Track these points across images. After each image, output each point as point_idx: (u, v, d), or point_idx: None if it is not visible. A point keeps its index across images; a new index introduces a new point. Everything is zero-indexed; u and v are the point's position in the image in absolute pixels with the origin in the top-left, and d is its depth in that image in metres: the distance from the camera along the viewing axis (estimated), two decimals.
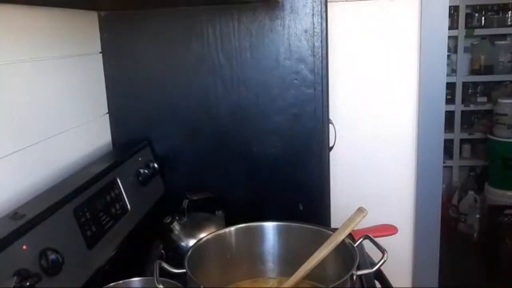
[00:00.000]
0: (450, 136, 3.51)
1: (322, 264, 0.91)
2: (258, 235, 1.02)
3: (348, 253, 0.89)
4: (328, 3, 1.32)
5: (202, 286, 0.83)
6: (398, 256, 1.80)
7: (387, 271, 1.07)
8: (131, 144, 1.34)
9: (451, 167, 3.65)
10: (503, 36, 3.56)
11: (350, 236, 0.94)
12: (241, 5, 1.30)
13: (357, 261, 0.85)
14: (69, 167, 1.16)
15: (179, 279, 0.89)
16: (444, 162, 3.24)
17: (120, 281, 0.95)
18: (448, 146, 3.51)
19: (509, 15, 3.50)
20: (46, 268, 0.78)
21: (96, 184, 1.04)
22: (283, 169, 1.37)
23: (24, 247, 0.76)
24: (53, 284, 0.80)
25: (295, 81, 1.33)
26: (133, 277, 0.97)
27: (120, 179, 1.14)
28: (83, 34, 1.29)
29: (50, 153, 1.10)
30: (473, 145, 3.69)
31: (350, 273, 0.82)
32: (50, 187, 1.00)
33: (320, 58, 1.31)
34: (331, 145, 1.42)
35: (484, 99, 3.61)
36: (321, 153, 1.36)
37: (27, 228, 0.79)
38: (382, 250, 0.85)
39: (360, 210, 0.91)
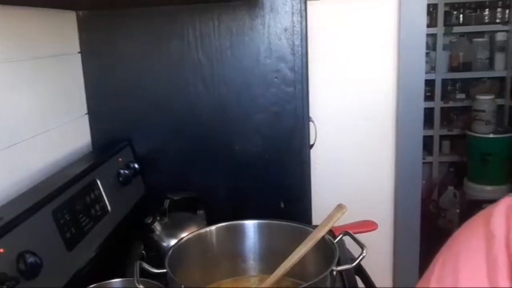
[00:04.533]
0: (430, 132, 3.55)
1: (303, 261, 0.91)
2: (239, 233, 1.02)
3: (328, 250, 0.90)
4: (308, 2, 1.32)
5: (183, 286, 0.83)
6: (379, 252, 1.82)
7: (368, 267, 1.09)
8: (111, 145, 1.33)
9: (431, 163, 3.69)
10: (480, 34, 3.62)
11: (331, 232, 0.95)
12: (221, 4, 1.30)
13: (337, 257, 0.85)
14: (48, 168, 1.15)
15: (160, 279, 0.89)
16: (424, 158, 3.28)
17: (101, 282, 0.95)
18: (428, 143, 3.56)
19: (486, 13, 3.56)
20: (24, 271, 0.77)
21: (75, 185, 1.03)
22: (264, 167, 1.38)
23: (1, 250, 0.75)
24: (31, 287, 0.79)
25: (276, 79, 1.33)
26: (114, 278, 0.97)
27: (100, 180, 1.14)
28: (61, 34, 1.28)
29: (29, 154, 1.09)
30: (452, 141, 3.74)
31: (329, 269, 0.83)
32: (28, 189, 0.99)
33: (300, 57, 1.32)
34: (311, 143, 1.42)
35: (463, 95, 3.66)
36: (301, 151, 1.37)
37: (4, 230, 0.78)
38: (361, 246, 0.87)
39: (340, 206, 0.92)
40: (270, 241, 1.02)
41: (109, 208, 1.14)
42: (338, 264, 0.86)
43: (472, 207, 3.19)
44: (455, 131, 3.65)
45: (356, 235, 0.93)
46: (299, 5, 1.30)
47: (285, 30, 1.31)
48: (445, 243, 0.51)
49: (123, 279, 0.97)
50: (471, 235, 0.49)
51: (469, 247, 0.48)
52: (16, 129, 1.05)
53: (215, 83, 1.35)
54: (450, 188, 3.51)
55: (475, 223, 0.50)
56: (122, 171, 1.23)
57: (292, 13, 1.30)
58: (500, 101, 3.45)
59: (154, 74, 1.36)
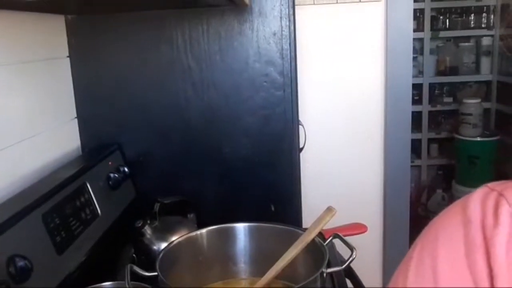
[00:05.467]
0: (418, 136, 3.58)
1: (293, 263, 0.92)
2: (230, 236, 1.02)
3: (318, 252, 0.90)
4: (296, 6, 1.34)
5: None
6: (368, 254, 1.84)
7: (358, 269, 1.09)
8: (101, 149, 1.32)
9: (419, 166, 3.73)
10: (466, 38, 3.67)
11: (321, 235, 0.95)
12: (210, 9, 1.31)
13: (327, 259, 0.86)
14: (38, 172, 1.14)
15: (151, 282, 0.89)
16: (412, 162, 3.30)
17: (91, 286, 0.95)
18: (416, 146, 3.59)
19: (472, 18, 3.61)
20: (14, 275, 0.77)
21: (65, 189, 1.03)
22: (254, 170, 1.38)
23: None
24: None
25: (265, 83, 1.34)
26: (104, 282, 0.96)
27: (90, 184, 1.13)
28: (49, 38, 1.27)
29: (18, 158, 1.08)
30: (440, 144, 3.77)
31: (320, 271, 0.83)
32: (17, 193, 0.98)
33: (289, 61, 1.33)
34: (301, 146, 1.43)
35: (450, 99, 3.70)
36: (291, 154, 1.37)
37: None
38: (351, 248, 0.87)
39: (329, 209, 0.93)
40: (261, 244, 1.02)
41: (99, 212, 1.13)
42: (328, 266, 0.87)
43: None
44: (443, 134, 3.69)
45: (346, 238, 0.94)
46: (287, 9, 1.31)
47: (274, 34, 1.32)
48: (422, 231, 0.52)
49: (114, 282, 0.97)
50: (449, 221, 0.50)
51: (447, 231, 0.49)
52: (4, 133, 1.04)
53: (205, 87, 1.35)
54: (439, 191, 3.55)
55: (452, 210, 0.51)
56: (112, 175, 1.23)
57: (281, 18, 1.31)
58: (486, 105, 3.50)
59: (144, 78, 1.36)
